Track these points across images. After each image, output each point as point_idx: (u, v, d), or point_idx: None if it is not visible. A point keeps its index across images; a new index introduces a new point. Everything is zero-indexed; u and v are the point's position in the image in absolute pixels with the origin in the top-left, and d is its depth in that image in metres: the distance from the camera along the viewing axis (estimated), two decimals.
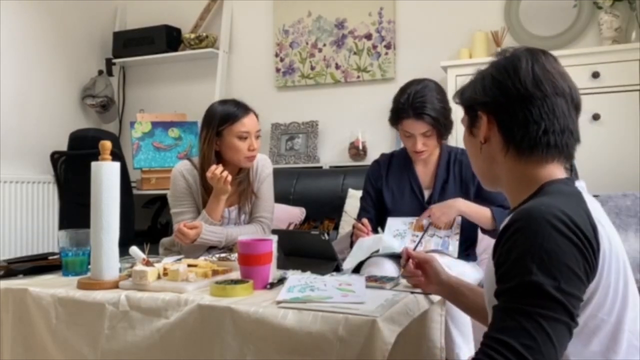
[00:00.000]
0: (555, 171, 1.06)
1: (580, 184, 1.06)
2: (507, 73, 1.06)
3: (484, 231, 2.10)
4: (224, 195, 2.15)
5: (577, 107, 1.07)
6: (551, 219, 0.90)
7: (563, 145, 1.05)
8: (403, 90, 2.09)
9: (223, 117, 2.18)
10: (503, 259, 0.94)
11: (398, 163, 2.23)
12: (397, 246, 1.97)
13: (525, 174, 1.07)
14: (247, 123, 2.18)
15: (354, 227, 2.08)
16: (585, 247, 0.90)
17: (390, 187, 2.19)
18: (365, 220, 2.03)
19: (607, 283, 0.94)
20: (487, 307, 1.08)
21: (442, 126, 2.06)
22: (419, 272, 1.45)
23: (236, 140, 2.17)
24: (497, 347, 0.87)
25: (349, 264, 1.85)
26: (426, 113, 2.00)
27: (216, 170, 2.09)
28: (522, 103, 1.04)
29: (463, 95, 1.16)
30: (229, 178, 2.10)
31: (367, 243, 1.94)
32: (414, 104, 2.01)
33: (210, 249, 2.17)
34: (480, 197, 2.10)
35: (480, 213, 2.03)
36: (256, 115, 2.26)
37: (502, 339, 0.87)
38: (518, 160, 1.07)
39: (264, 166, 2.33)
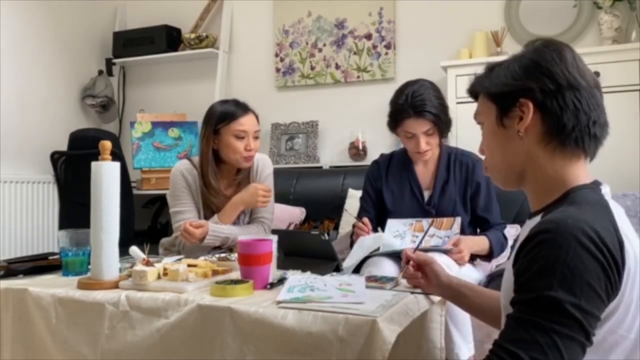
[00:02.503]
0: (582, 173, 1.03)
1: (605, 190, 1.03)
2: (554, 60, 1.01)
3: (478, 256, 2.11)
4: (247, 208, 2.22)
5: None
6: (578, 235, 0.87)
7: (602, 139, 1.03)
8: (400, 91, 2.08)
9: (221, 115, 2.19)
10: (524, 268, 0.91)
11: (398, 163, 2.23)
12: (398, 244, 1.97)
13: (554, 173, 1.03)
14: (244, 122, 2.18)
15: (354, 226, 2.08)
16: (610, 265, 0.88)
17: (390, 188, 2.19)
18: (365, 219, 2.03)
19: (629, 300, 0.91)
20: (502, 312, 1.07)
21: (442, 124, 2.06)
22: (419, 274, 1.44)
23: (233, 139, 2.16)
24: (505, 358, 0.86)
25: (349, 262, 1.85)
26: (427, 110, 2.00)
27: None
28: (572, 91, 1.00)
29: (494, 81, 1.07)
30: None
31: (367, 242, 1.94)
32: (414, 103, 2.01)
33: (212, 249, 2.17)
34: (475, 205, 2.12)
35: (482, 244, 2.06)
36: (256, 116, 2.26)
37: (512, 350, 0.85)
38: (555, 154, 1.02)
39: (264, 165, 2.32)
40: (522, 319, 0.88)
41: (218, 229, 2.14)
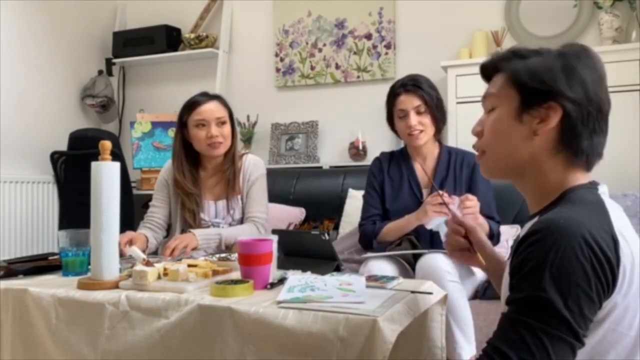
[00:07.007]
0: (580, 176, 1.03)
1: (602, 189, 1.03)
2: (596, 79, 1.01)
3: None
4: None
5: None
6: (568, 235, 0.88)
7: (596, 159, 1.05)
8: (398, 80, 2.22)
9: (184, 107, 2.24)
10: (517, 268, 0.92)
11: (398, 161, 2.25)
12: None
13: (555, 178, 1.03)
14: (203, 110, 2.19)
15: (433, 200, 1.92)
16: (602, 265, 0.88)
17: (390, 183, 2.21)
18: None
19: (627, 298, 0.91)
20: (502, 308, 1.07)
21: (435, 108, 2.12)
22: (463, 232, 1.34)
23: (195, 129, 2.20)
24: (494, 357, 0.87)
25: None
26: (418, 86, 2.12)
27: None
28: (599, 113, 1.00)
29: (531, 70, 1.01)
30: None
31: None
32: (406, 82, 2.15)
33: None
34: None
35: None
36: (223, 103, 2.24)
37: (502, 349, 0.87)
38: (560, 163, 1.02)
39: (255, 166, 2.30)
40: (513, 319, 0.89)
41: (206, 232, 2.13)
